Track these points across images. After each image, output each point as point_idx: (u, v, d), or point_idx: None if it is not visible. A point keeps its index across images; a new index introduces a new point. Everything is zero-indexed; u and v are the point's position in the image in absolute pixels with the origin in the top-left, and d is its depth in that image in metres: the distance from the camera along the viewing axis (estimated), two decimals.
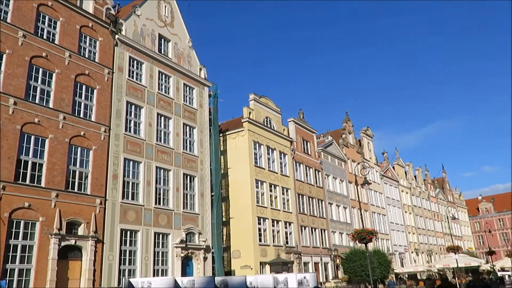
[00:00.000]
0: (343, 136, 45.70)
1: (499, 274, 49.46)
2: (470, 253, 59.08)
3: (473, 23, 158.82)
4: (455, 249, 39.65)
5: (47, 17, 19.21)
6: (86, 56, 20.55)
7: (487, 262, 53.47)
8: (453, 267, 37.15)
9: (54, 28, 19.46)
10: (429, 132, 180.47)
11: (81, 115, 19.53)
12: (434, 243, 61.64)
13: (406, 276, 43.15)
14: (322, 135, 43.78)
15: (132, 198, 21.07)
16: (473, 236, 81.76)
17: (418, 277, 44.33)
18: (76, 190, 18.37)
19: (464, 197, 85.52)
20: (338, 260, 35.93)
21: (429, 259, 56.67)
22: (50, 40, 19.06)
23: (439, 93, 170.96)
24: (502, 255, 69.60)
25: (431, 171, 76.40)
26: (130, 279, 12.01)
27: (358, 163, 41.63)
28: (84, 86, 20.06)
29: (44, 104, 18.05)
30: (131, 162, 21.50)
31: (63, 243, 17.11)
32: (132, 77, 22.96)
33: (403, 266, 47.16)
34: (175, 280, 12.17)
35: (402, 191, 56.92)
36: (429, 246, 59.29)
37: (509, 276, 53.50)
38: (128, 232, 20.37)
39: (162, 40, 25.94)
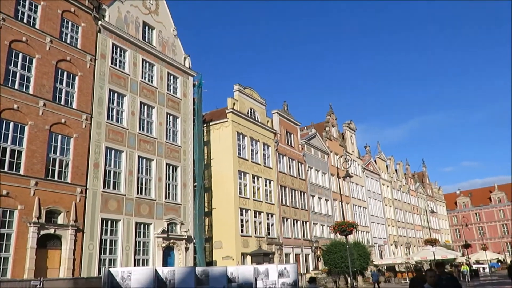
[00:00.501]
0: (327, 129, 45.98)
1: (474, 266, 50.88)
2: (447, 246, 60.56)
3: (457, 16, 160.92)
4: (432, 242, 40.59)
5: (27, 1, 18.69)
6: (68, 42, 20.11)
7: (463, 255, 54.90)
8: (431, 260, 37.99)
9: (35, 12, 18.96)
10: (411, 127, 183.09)
11: (62, 102, 19.15)
12: (413, 236, 62.85)
13: (385, 268, 43.95)
14: (305, 128, 43.96)
15: (114, 188, 20.85)
16: (450, 229, 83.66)
17: (397, 269, 45.22)
18: (56, 178, 18.07)
19: (443, 192, 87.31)
20: (318, 252, 36.35)
21: (408, 251, 57.83)
22: (31, 24, 18.58)
23: (421, 88, 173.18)
24: (477, 248, 71.56)
25: (411, 165, 77.68)
26: (110, 269, 11.90)
27: (341, 156, 42.02)
28: (65, 73, 19.65)
29: (24, 90, 17.64)
30: (113, 151, 21.23)
31: (42, 232, 16.86)
32: (115, 65, 22.60)
33: (382, 258, 48.01)
34: (156, 270, 12.11)
35: (383, 185, 57.74)
36: (407, 238, 60.44)
37: (483, 268, 55.11)
38: (109, 222, 20.19)
39: (146, 27, 25.56)
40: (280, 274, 14.80)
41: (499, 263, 62.77)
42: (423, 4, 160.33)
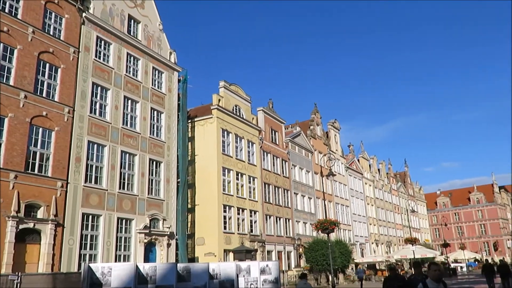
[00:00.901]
0: (311, 127, 46.21)
1: (453, 265, 51.88)
2: (427, 245, 61.47)
3: (441, 17, 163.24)
4: (412, 241, 41.28)
5: None
6: (51, 33, 19.74)
7: (442, 254, 55.87)
8: (410, 258, 38.58)
9: (18, 2, 18.54)
10: (394, 127, 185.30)
11: (44, 95, 18.81)
12: (394, 235, 63.70)
13: (366, 265, 44.46)
14: (290, 126, 44.13)
15: (96, 182, 20.59)
16: (430, 228, 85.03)
17: (377, 267, 45.81)
18: (36, 172, 17.75)
19: (424, 191, 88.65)
20: (301, 249, 36.57)
21: (388, 250, 58.62)
22: (13, 14, 18.17)
23: (405, 88, 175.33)
24: (456, 247, 72.94)
25: (394, 165, 78.76)
26: (90, 264, 11.77)
27: (325, 155, 42.28)
28: (47, 65, 19.29)
29: (4, 81, 17.25)
30: (95, 145, 20.96)
31: (21, 226, 16.55)
32: (99, 58, 22.28)
33: (363, 256, 48.54)
34: (137, 266, 12.02)
35: (366, 184, 58.33)
36: (388, 237, 61.24)
37: (461, 267, 56.23)
38: (90, 217, 19.94)
39: (132, 21, 25.26)
40: (262, 271, 14.84)
41: (476, 262, 64.08)
42: (409, 4, 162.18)
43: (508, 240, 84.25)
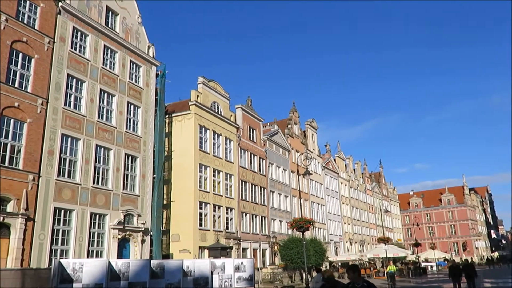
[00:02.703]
0: (289, 126, 46.41)
1: (423, 264, 53.06)
2: (399, 244, 62.68)
3: (419, 16, 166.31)
4: (385, 240, 42.02)
5: None
6: (25, 22, 19.17)
7: (413, 253, 57.11)
8: (383, 257, 39.29)
9: None
10: (368, 127, 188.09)
11: (16, 85, 18.26)
12: (367, 234, 64.72)
13: (339, 264, 45.02)
14: (268, 124, 44.19)
15: (69, 176, 20.14)
16: (402, 228, 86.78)
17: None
18: (7, 164, 17.22)
19: (398, 192, 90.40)
20: (276, 247, 36.73)
21: (362, 248, 59.51)
22: None
23: (379, 89, 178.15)
24: (426, 247, 74.71)
25: (369, 165, 79.85)
26: (61, 260, 11.49)
27: (302, 154, 42.55)
28: (21, 54, 18.73)
29: None
30: (69, 138, 20.49)
31: None
32: (75, 49, 21.77)
33: (337, 255, 49.16)
34: (110, 263, 11.81)
35: (341, 183, 59.02)
36: (362, 236, 62.18)
37: (431, 266, 57.59)
38: (62, 211, 19.50)
39: (110, 13, 24.78)
40: (237, 269, 14.84)
41: (446, 262, 65.80)
42: (389, 4, 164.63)
43: (477, 240, 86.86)
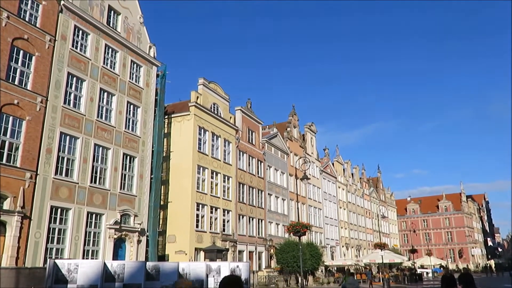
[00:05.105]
0: (288, 129, 46.39)
1: (419, 271, 53.04)
2: (395, 250, 62.64)
3: (417, 26, 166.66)
4: (381, 246, 41.92)
5: None
6: (27, 19, 19.14)
7: (409, 259, 57.07)
8: (379, 263, 39.23)
9: None
10: (367, 132, 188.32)
11: (16, 82, 18.22)
12: (364, 239, 64.66)
13: (335, 268, 44.95)
14: (267, 127, 44.16)
15: (66, 175, 20.09)
16: (399, 234, 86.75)
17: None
18: (4, 161, 17.18)
19: (395, 197, 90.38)
20: (272, 250, 36.66)
21: (358, 253, 59.44)
22: None
23: (379, 95, 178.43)
24: (423, 253, 74.66)
25: (367, 170, 79.92)
26: (56, 260, 11.44)
27: (300, 157, 42.51)
28: (21, 52, 18.70)
29: None
30: (67, 137, 20.45)
31: None
32: (76, 48, 21.74)
33: (333, 259, 49.09)
34: (105, 264, 11.77)
35: (339, 187, 58.99)
36: (358, 241, 62.11)
37: (427, 273, 57.57)
38: (59, 210, 19.44)
39: (112, 12, 24.76)
40: (232, 272, 14.80)
41: (441, 269, 65.77)
42: (389, 14, 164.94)
43: (473, 248, 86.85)
